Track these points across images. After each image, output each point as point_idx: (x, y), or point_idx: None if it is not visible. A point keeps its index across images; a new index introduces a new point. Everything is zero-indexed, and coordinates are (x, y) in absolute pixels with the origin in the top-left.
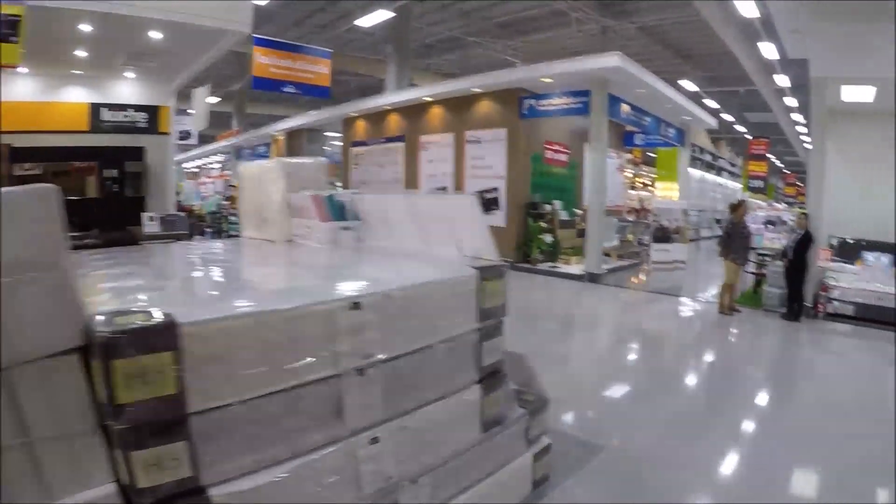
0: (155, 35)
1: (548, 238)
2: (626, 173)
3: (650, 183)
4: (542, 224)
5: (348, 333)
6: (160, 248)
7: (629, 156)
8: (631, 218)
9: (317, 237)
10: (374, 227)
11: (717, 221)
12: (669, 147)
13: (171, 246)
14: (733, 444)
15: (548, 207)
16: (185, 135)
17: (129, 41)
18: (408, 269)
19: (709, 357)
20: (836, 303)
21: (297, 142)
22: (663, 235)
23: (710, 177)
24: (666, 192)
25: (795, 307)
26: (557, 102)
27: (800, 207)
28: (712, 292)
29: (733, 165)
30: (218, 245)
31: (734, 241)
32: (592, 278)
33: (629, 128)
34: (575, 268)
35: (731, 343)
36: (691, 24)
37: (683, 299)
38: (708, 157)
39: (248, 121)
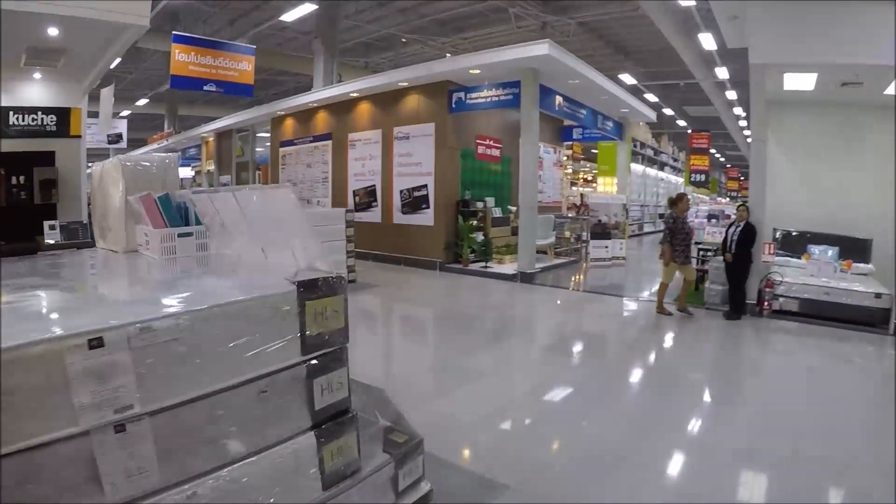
0: (52, 31)
1: (479, 237)
2: (565, 168)
3: (592, 178)
4: (474, 222)
5: (87, 379)
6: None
7: (569, 151)
8: (571, 214)
9: (152, 247)
10: (215, 233)
11: (660, 216)
12: (608, 141)
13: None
14: (664, 475)
15: (480, 205)
16: (114, 138)
17: (26, 38)
18: (208, 287)
19: (641, 365)
20: (781, 299)
21: (227, 143)
22: (602, 232)
23: (653, 171)
24: (607, 188)
25: (738, 305)
26: (487, 95)
27: (742, 200)
28: (652, 290)
29: (675, 160)
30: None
31: (676, 237)
32: (525, 278)
33: (567, 122)
34: (508, 267)
35: (667, 348)
36: (632, 20)
37: (620, 299)
38: (650, 152)
39: (185, 123)
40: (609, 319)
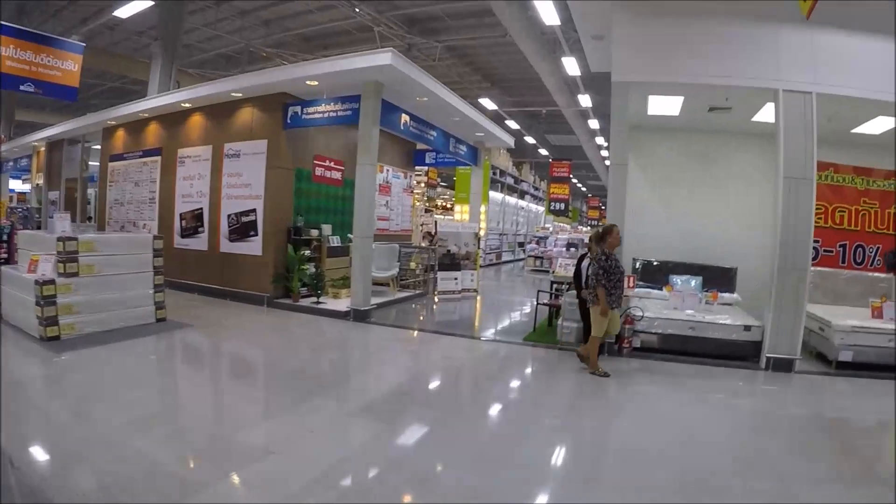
0: None
1: (312, 268)
2: (417, 195)
3: (450, 206)
4: (306, 252)
5: None
6: None
7: (423, 177)
8: (425, 243)
9: None
10: None
11: (520, 245)
12: (463, 166)
13: None
14: None
15: (314, 232)
16: None
17: None
18: None
19: (481, 425)
20: (643, 335)
21: (57, 154)
22: (451, 262)
23: (513, 200)
24: (464, 216)
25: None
26: (325, 110)
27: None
28: (502, 325)
29: (536, 189)
30: None
31: (610, 278)
32: (359, 316)
33: (421, 146)
34: (344, 303)
35: (515, 400)
36: (499, 45)
37: (463, 339)
38: (510, 180)
39: (24, 129)
40: (446, 365)
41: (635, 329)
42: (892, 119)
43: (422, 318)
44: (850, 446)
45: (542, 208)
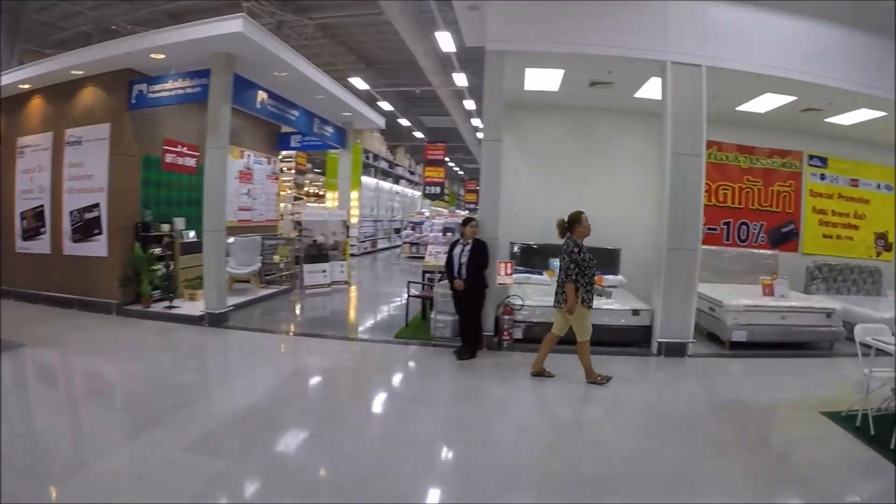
0: None
1: (163, 269)
2: (285, 181)
3: (323, 193)
4: (157, 250)
5: None
6: None
7: (292, 162)
8: (295, 234)
9: None
10: None
11: (397, 231)
12: (330, 149)
13: None
14: None
15: (166, 227)
16: None
17: None
18: None
19: (330, 451)
20: (524, 325)
21: None
22: (318, 253)
23: (387, 185)
24: (337, 203)
25: (473, 340)
26: (172, 87)
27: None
28: (374, 321)
29: (412, 173)
30: None
31: (584, 272)
32: (214, 320)
33: (287, 128)
34: (201, 305)
35: (377, 414)
36: (374, 25)
37: (326, 341)
38: (384, 164)
39: None
40: (305, 376)
41: (515, 319)
42: (779, 97)
43: (285, 317)
44: (751, 440)
45: (418, 193)
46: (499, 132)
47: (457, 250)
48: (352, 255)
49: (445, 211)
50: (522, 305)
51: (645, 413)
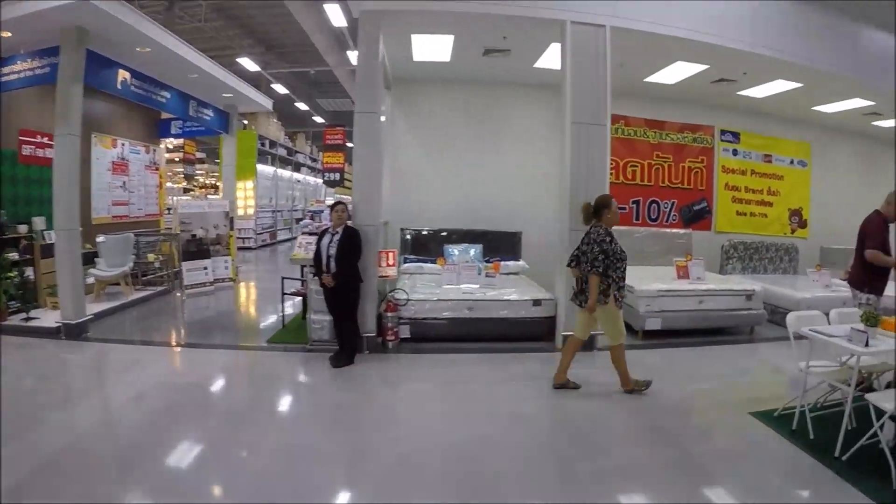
0: None
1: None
2: (175, 172)
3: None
4: (14, 255)
5: None
6: None
7: (180, 152)
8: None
9: None
10: None
11: (298, 221)
12: (213, 135)
13: None
14: None
15: (23, 228)
16: None
17: None
18: None
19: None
20: (412, 322)
21: None
22: (198, 249)
23: (287, 173)
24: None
25: (350, 344)
26: (21, 69)
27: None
28: (252, 322)
29: (314, 160)
30: None
31: (614, 265)
32: (72, 332)
33: (168, 115)
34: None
35: (237, 442)
36: (269, 7)
37: (191, 351)
38: (283, 151)
39: None
40: (156, 399)
41: (401, 316)
42: (690, 65)
43: (151, 325)
44: (669, 458)
45: (320, 180)
46: (375, 104)
47: (325, 241)
48: (249, 248)
49: (347, 198)
50: (408, 300)
51: (538, 425)
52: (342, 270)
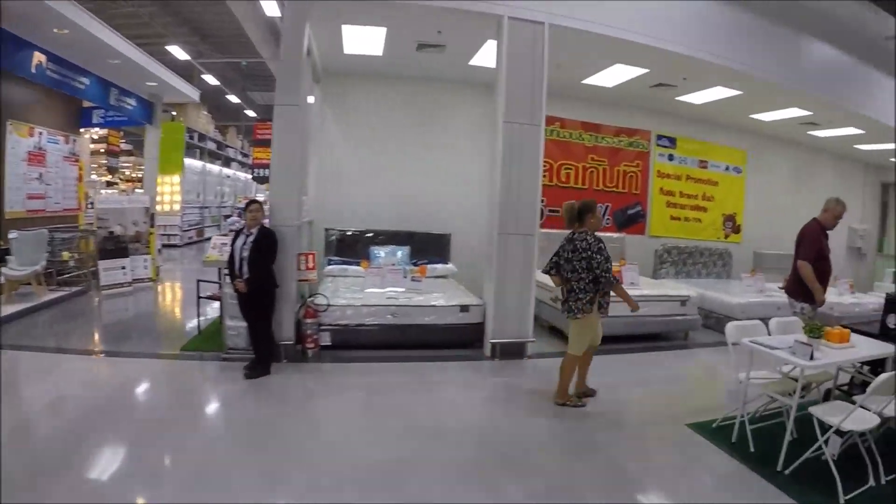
0: None
1: None
2: (101, 164)
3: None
4: None
5: None
6: None
7: (104, 143)
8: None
9: None
10: None
11: (226, 217)
12: (137, 125)
13: None
14: None
15: None
16: None
17: None
18: None
19: None
20: (333, 328)
21: None
22: (116, 247)
23: (216, 168)
24: (160, 187)
25: (265, 353)
26: None
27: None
28: (168, 327)
29: (246, 155)
30: None
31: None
32: None
33: (89, 103)
34: None
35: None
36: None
37: (96, 360)
38: (212, 145)
39: None
40: (49, 416)
41: (321, 322)
42: (629, 69)
43: (62, 329)
44: (601, 478)
45: (251, 176)
46: (297, 96)
47: (238, 242)
48: (174, 245)
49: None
50: (328, 306)
51: (466, 441)
52: (256, 274)
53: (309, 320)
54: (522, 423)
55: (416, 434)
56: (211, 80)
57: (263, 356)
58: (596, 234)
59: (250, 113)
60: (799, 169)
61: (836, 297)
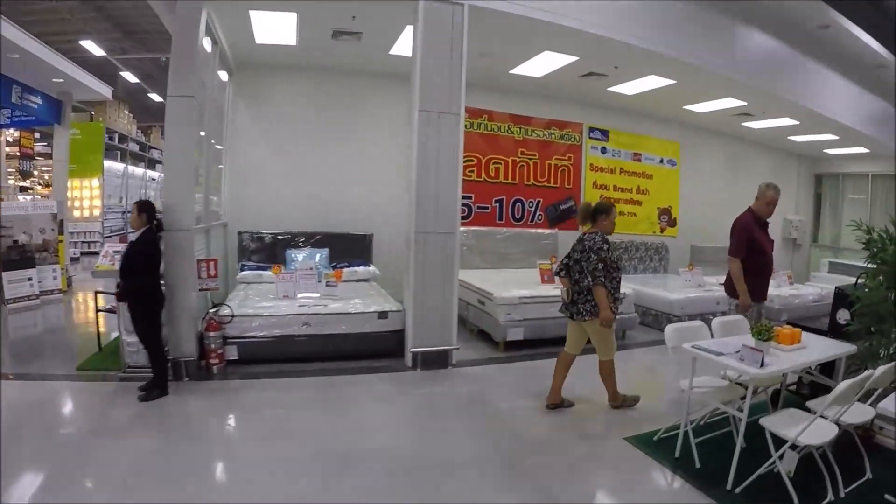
0: None
1: None
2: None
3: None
4: None
5: None
6: None
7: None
8: None
9: None
10: None
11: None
12: (45, 125)
13: None
14: None
15: None
16: None
17: None
18: None
19: None
20: (241, 341)
21: None
22: (21, 257)
23: (140, 170)
24: (76, 192)
25: (159, 371)
26: None
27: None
28: (72, 342)
29: None
30: None
31: (611, 274)
32: None
33: None
34: None
35: None
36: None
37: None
38: (135, 147)
39: None
40: None
41: (226, 335)
42: (559, 56)
43: None
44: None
45: None
46: (192, 86)
47: (126, 249)
48: (94, 253)
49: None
50: (232, 317)
51: (380, 466)
52: (127, 283)
53: (212, 333)
54: (443, 444)
55: (323, 462)
56: (131, 77)
57: (157, 375)
58: (605, 236)
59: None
60: (733, 161)
61: (776, 289)
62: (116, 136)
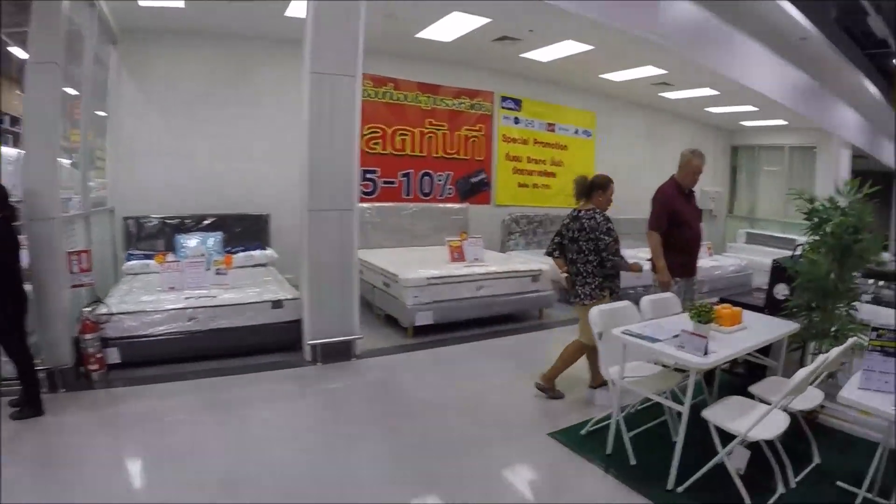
0: None
1: None
2: None
3: None
4: None
5: None
6: None
7: None
8: None
9: None
10: None
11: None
12: None
13: None
14: None
15: None
16: None
17: None
18: None
19: None
20: (122, 343)
21: None
22: None
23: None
24: None
25: (29, 386)
26: None
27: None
28: None
29: (66, 140)
30: None
31: (611, 253)
32: None
33: None
34: None
35: None
36: None
37: None
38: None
39: None
40: None
41: (106, 337)
42: (469, 18)
43: None
44: None
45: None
46: (56, 53)
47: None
48: None
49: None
50: (110, 315)
51: (256, 491)
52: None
53: (88, 336)
54: (343, 450)
55: (202, 488)
56: (21, 53)
57: (28, 391)
58: (605, 213)
59: (72, 91)
60: (650, 132)
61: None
62: (7, 119)
